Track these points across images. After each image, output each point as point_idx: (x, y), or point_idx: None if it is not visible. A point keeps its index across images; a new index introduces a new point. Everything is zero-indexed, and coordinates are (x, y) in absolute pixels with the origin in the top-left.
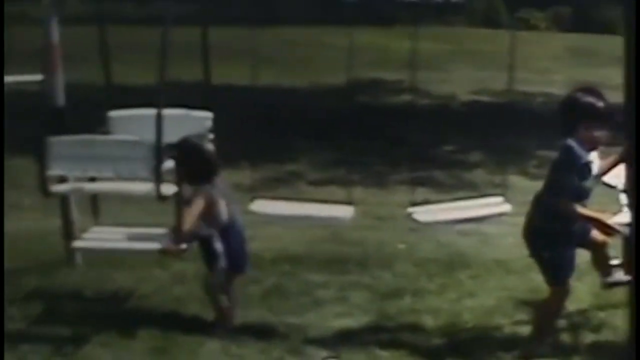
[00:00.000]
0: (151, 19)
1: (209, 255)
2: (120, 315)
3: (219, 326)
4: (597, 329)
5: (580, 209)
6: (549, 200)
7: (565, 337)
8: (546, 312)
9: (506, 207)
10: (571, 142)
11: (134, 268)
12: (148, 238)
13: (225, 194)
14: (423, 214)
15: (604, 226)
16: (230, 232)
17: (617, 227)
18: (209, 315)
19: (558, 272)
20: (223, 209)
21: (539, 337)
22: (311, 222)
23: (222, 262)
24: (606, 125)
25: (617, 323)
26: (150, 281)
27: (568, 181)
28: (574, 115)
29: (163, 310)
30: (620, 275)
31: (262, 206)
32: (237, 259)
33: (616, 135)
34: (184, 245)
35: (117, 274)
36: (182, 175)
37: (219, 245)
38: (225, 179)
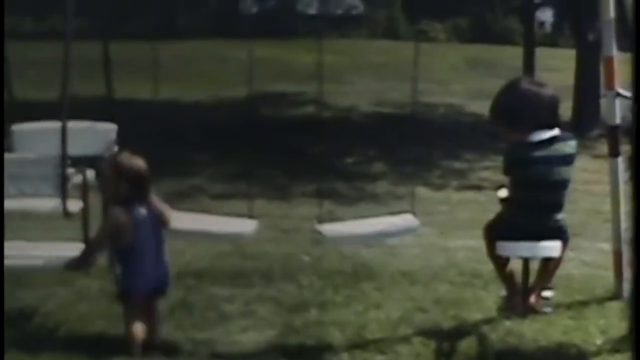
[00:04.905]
0: (50, 34)
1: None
2: (24, 333)
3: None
4: (503, 337)
5: None
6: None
7: (472, 346)
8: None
9: (415, 223)
10: None
11: (37, 285)
12: (53, 254)
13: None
14: (330, 229)
15: None
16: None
17: None
18: (114, 332)
19: None
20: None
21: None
22: (212, 237)
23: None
24: None
25: (524, 331)
26: (54, 298)
27: None
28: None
29: (67, 328)
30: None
31: None
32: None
33: None
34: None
35: (19, 291)
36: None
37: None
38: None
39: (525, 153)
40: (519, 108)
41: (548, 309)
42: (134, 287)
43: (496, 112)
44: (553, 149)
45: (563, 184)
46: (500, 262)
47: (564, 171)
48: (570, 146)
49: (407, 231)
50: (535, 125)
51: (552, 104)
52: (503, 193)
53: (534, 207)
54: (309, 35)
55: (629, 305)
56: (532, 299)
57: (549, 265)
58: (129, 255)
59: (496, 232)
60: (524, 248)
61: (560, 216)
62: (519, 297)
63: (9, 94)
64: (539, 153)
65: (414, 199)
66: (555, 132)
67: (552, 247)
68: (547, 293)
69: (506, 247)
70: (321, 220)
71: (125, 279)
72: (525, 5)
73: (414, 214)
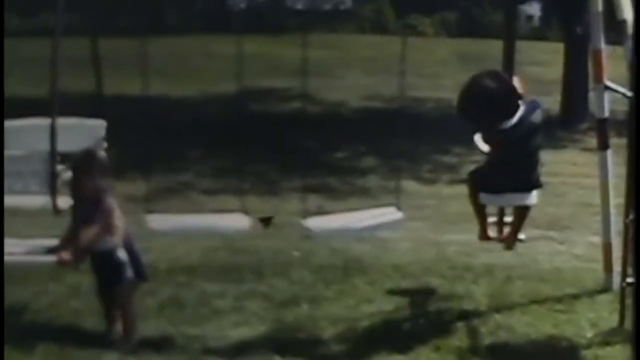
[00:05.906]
0: (38, 30)
1: (114, 267)
2: (16, 330)
3: (123, 339)
4: (494, 330)
5: None
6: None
7: (463, 340)
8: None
9: (398, 216)
10: None
11: (29, 282)
12: (44, 250)
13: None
14: (316, 223)
15: None
16: (129, 241)
17: None
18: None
19: None
20: (121, 219)
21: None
22: (210, 232)
23: (129, 273)
24: None
25: (513, 324)
26: (46, 295)
27: None
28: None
29: (59, 324)
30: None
31: (159, 221)
32: (139, 267)
33: None
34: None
35: (11, 288)
36: (81, 188)
37: (123, 256)
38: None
39: (497, 139)
40: (480, 107)
41: (522, 236)
42: (143, 269)
43: (461, 111)
44: (522, 127)
45: (537, 147)
46: (479, 205)
47: (536, 138)
48: (537, 117)
49: (392, 224)
50: (498, 117)
51: (510, 93)
52: (483, 145)
53: (513, 169)
54: (298, 31)
55: (631, 301)
56: (507, 234)
57: (524, 210)
58: (127, 243)
59: (480, 182)
60: (505, 199)
61: (536, 170)
62: (488, 232)
63: None
64: (510, 136)
65: (399, 193)
66: (520, 111)
67: (529, 197)
68: (521, 236)
69: (489, 199)
70: (306, 215)
71: (135, 263)
72: None
73: (397, 207)
